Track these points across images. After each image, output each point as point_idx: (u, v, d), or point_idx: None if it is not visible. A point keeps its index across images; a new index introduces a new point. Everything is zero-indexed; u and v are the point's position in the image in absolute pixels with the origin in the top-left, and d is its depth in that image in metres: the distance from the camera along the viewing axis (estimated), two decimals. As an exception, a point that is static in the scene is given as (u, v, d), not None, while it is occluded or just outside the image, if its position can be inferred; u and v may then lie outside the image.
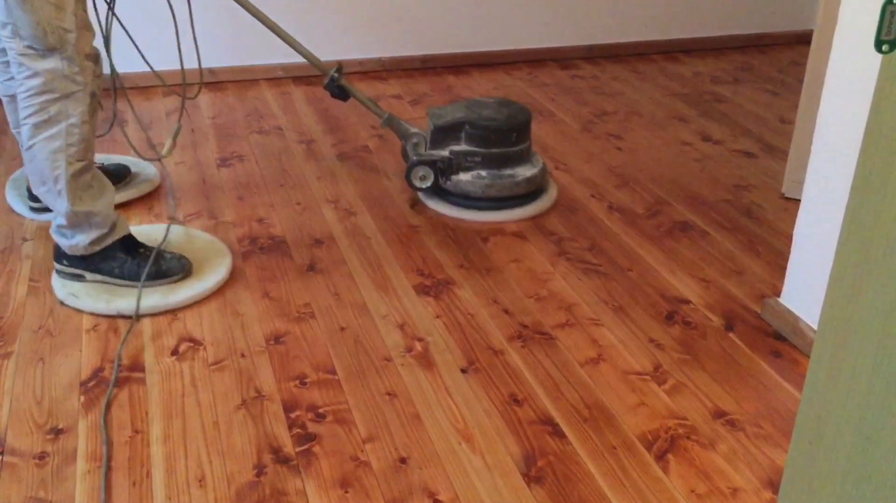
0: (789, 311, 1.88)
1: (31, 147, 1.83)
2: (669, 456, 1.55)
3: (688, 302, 2.01)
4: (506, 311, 1.95)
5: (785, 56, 3.84)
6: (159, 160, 2.42)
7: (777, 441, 1.59)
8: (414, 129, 2.41)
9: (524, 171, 2.35)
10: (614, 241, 2.26)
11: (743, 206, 2.47)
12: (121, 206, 2.33)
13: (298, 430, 1.59)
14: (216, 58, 3.32)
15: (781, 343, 1.87)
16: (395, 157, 2.73)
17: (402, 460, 1.53)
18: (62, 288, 1.97)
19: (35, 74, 1.77)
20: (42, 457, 1.52)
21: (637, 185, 2.59)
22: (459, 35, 3.56)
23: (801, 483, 0.98)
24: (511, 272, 2.11)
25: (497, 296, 2.01)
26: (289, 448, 1.55)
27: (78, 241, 1.93)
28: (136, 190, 2.43)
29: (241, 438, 1.57)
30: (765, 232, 2.32)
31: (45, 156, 1.83)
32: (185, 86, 2.17)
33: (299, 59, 3.41)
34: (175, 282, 1.98)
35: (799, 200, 1.88)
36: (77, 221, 1.90)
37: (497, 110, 2.37)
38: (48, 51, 1.75)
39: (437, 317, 1.92)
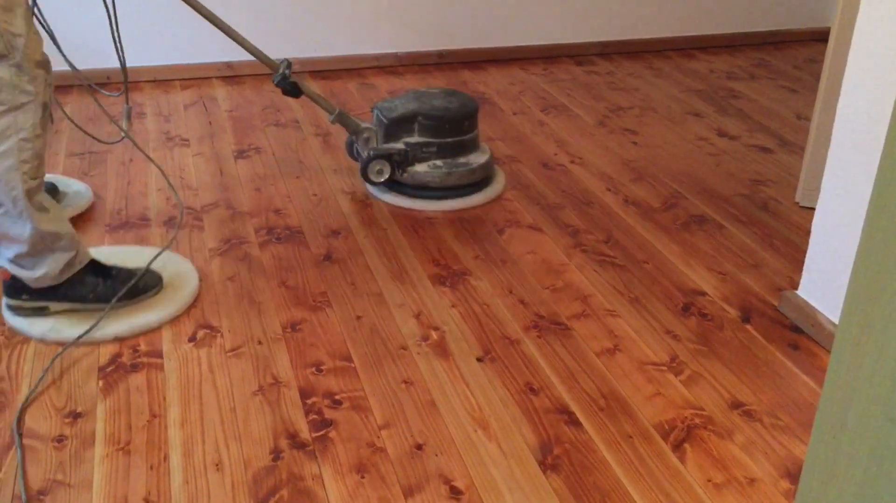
0: (807, 304, 1.88)
1: None
2: (686, 445, 1.54)
3: (704, 294, 2.00)
4: (521, 302, 1.95)
5: (801, 53, 3.83)
6: (123, 139, 2.15)
7: (795, 432, 1.58)
8: (365, 124, 2.38)
9: (477, 159, 2.41)
10: (630, 234, 2.26)
11: (759, 200, 2.46)
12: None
13: (315, 416, 1.59)
14: (234, 52, 3.32)
15: (799, 335, 1.86)
16: (410, 150, 2.74)
17: (418, 447, 1.53)
18: (30, 326, 1.78)
19: None
20: (60, 440, 1.53)
21: (653, 179, 2.58)
22: (475, 30, 3.56)
23: (823, 468, 0.98)
24: (527, 263, 2.11)
25: (513, 287, 2.01)
26: (305, 433, 1.55)
27: (46, 271, 1.73)
28: (67, 210, 2.19)
29: (258, 424, 1.57)
30: (781, 226, 2.31)
31: None
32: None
33: (316, 54, 3.44)
34: (152, 296, 1.87)
35: (813, 209, 1.87)
36: (42, 246, 1.71)
37: (447, 100, 2.40)
38: None
39: (453, 306, 1.93)
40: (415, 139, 2.33)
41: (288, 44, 3.37)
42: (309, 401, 1.63)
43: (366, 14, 3.41)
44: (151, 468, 1.47)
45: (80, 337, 1.73)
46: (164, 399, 1.63)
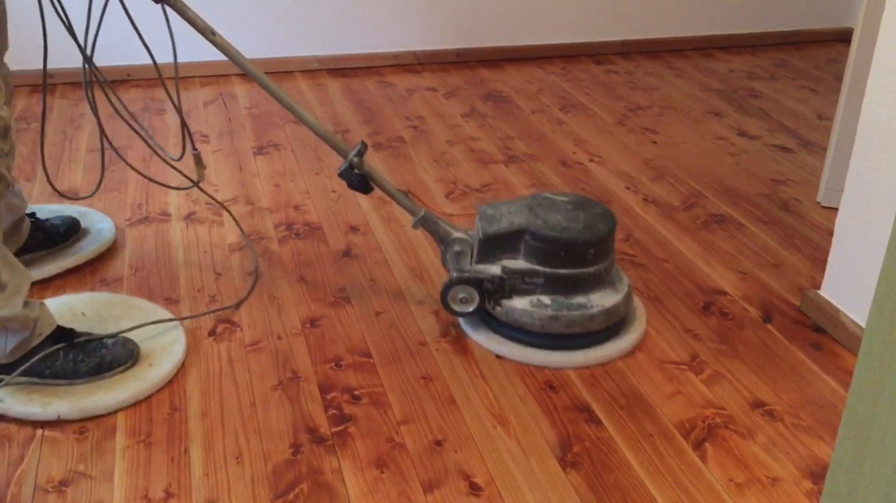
0: (829, 304, 1.86)
1: None
2: (707, 444, 1.53)
3: (725, 293, 1.99)
4: (541, 300, 1.95)
5: (822, 53, 3.80)
6: (196, 185, 1.95)
7: (817, 432, 1.57)
8: (457, 233, 1.79)
9: (602, 299, 1.74)
10: (650, 233, 2.25)
11: (780, 199, 2.44)
12: (64, 273, 1.97)
13: (334, 411, 1.60)
14: (252, 49, 3.33)
15: (821, 335, 1.85)
16: (429, 148, 2.74)
17: (438, 442, 1.53)
18: None
19: None
20: (82, 431, 1.54)
21: (672, 178, 2.57)
22: (494, 29, 3.56)
23: (850, 465, 0.97)
24: (546, 261, 2.10)
25: (532, 285, 2.00)
26: (325, 428, 1.55)
27: None
28: (81, 255, 2.01)
29: (278, 418, 1.58)
30: (802, 226, 2.30)
31: None
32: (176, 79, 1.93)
33: (335, 51, 3.44)
34: (122, 372, 1.64)
35: (835, 209, 1.85)
36: None
37: (570, 215, 1.76)
38: None
39: (472, 303, 1.92)
40: (517, 264, 1.74)
41: (310, 41, 3.38)
42: (328, 396, 1.63)
43: (385, 12, 3.41)
44: (172, 460, 1.47)
45: None
46: (185, 392, 1.63)
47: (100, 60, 1.92)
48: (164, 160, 1.94)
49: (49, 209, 2.16)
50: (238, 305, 1.89)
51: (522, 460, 1.49)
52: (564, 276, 1.72)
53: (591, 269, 1.74)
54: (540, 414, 1.60)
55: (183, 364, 1.70)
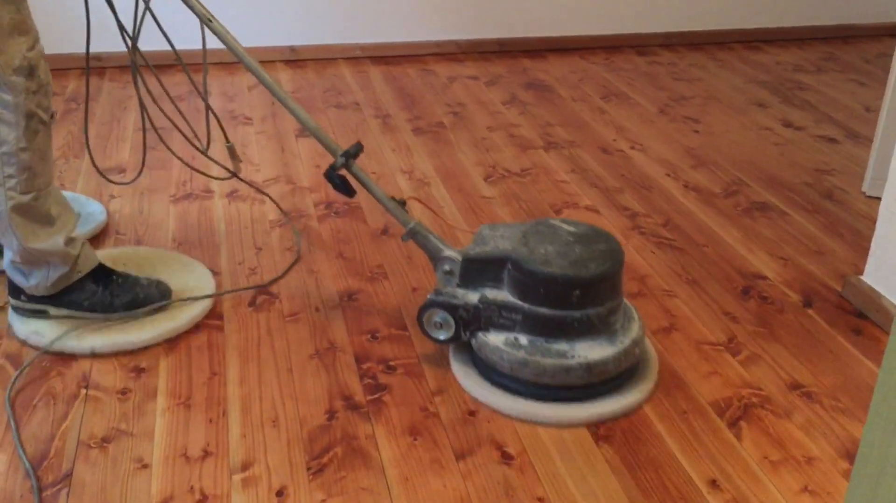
0: (872, 289, 1.83)
1: None
2: (742, 423, 1.52)
3: (765, 278, 1.97)
4: (577, 280, 1.95)
5: (871, 48, 3.73)
6: (236, 176, 1.97)
7: (855, 414, 1.55)
8: (448, 251, 1.62)
9: (587, 350, 1.51)
10: (690, 218, 2.23)
11: (824, 189, 2.40)
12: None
13: (369, 380, 1.61)
14: (297, 36, 3.38)
15: (863, 321, 1.82)
16: (469, 134, 2.75)
17: (471, 413, 1.54)
18: (23, 325, 1.71)
19: None
20: (124, 392, 1.58)
21: (714, 166, 2.54)
22: (536, 19, 3.56)
23: (880, 450, 0.96)
24: (583, 243, 2.10)
25: (569, 265, 2.00)
26: (360, 396, 1.57)
27: (38, 282, 1.67)
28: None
29: (314, 385, 1.60)
30: (847, 214, 2.26)
31: None
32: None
33: (378, 40, 3.47)
34: (155, 310, 1.74)
35: (881, 198, 1.82)
36: (33, 260, 1.64)
37: (563, 249, 1.54)
38: None
39: (509, 282, 1.93)
40: (497, 295, 1.56)
41: (353, 29, 3.42)
42: (364, 366, 1.65)
43: (427, 1, 3.43)
44: (210, 421, 1.50)
45: (51, 344, 1.67)
46: (224, 358, 1.66)
47: (146, 45, 1.95)
48: (198, 149, 1.94)
49: None
50: (271, 282, 1.92)
51: (555, 432, 1.49)
52: (544, 317, 1.51)
53: (577, 314, 1.50)
54: (574, 389, 1.60)
55: (213, 308, 1.78)
